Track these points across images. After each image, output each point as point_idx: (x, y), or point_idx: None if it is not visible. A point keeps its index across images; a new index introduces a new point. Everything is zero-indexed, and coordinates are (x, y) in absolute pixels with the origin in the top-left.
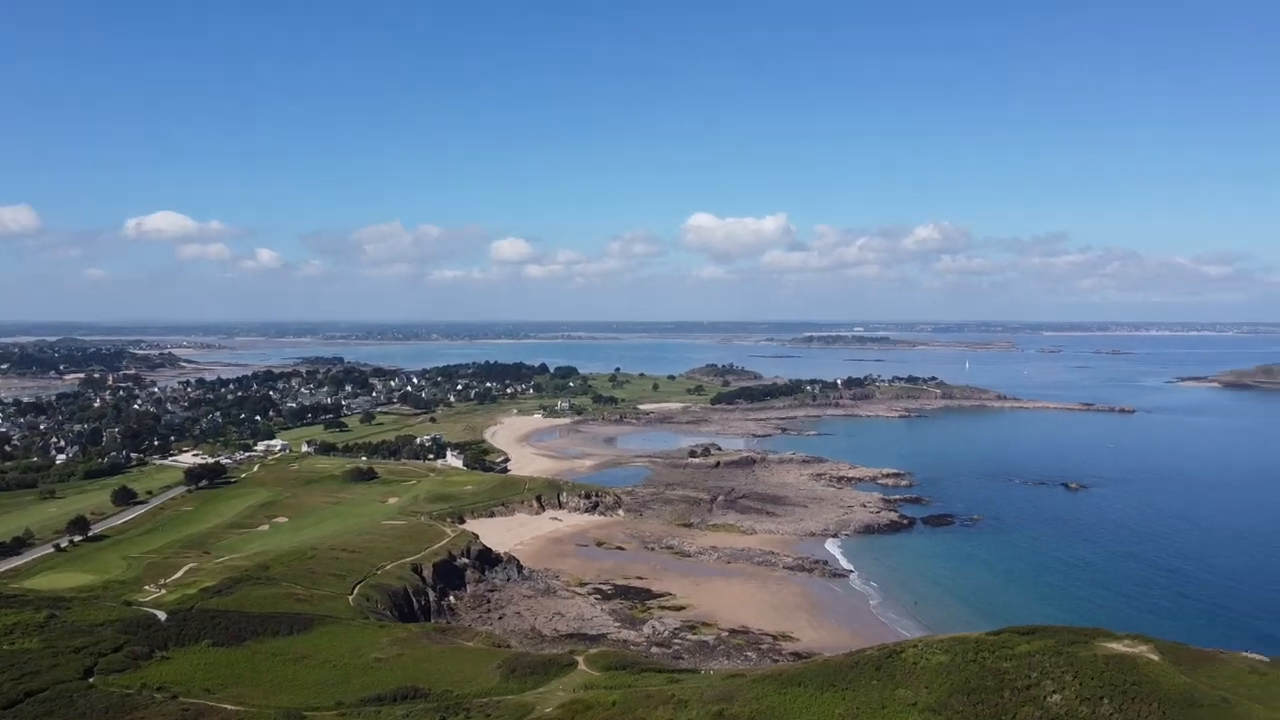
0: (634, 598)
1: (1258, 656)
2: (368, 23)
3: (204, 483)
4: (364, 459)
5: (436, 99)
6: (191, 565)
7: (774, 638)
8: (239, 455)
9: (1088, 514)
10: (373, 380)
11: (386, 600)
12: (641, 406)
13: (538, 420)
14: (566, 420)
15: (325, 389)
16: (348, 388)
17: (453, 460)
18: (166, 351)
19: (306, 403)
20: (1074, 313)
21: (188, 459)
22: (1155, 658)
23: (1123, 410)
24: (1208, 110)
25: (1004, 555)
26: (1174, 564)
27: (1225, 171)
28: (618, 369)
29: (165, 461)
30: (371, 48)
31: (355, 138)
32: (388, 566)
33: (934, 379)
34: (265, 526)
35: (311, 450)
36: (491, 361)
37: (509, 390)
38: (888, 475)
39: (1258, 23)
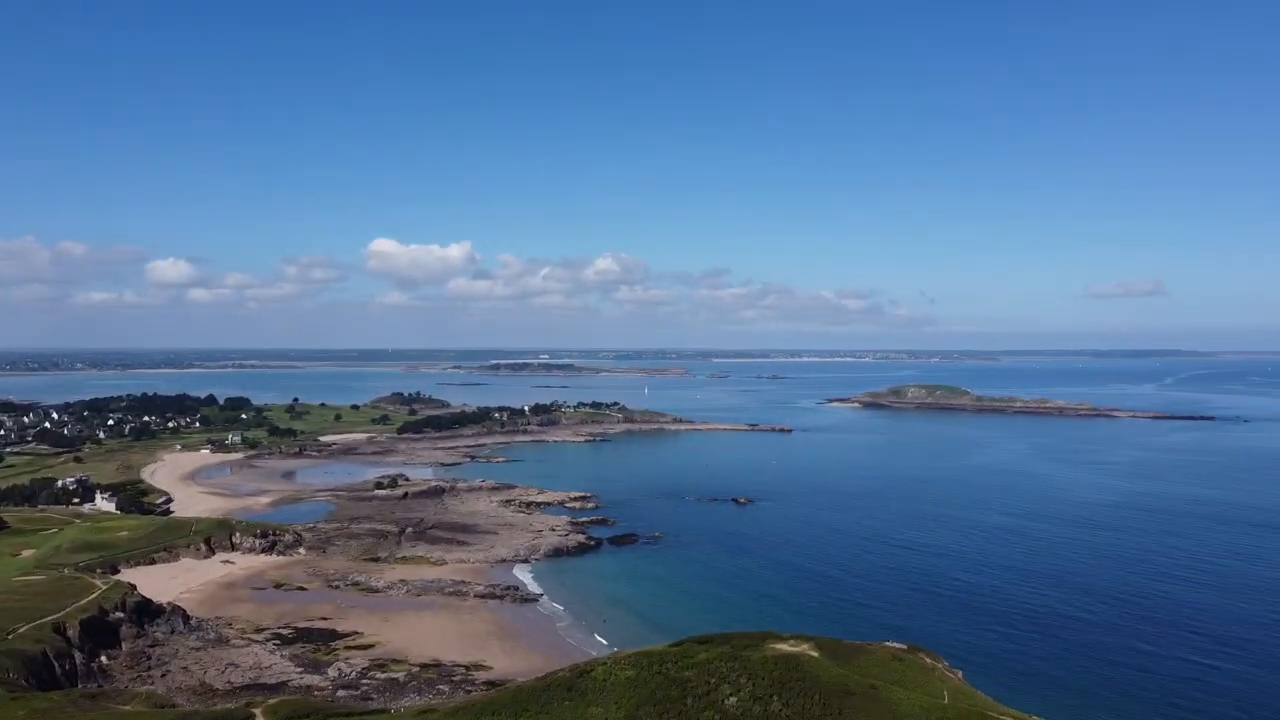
0: (318, 640)
1: (897, 645)
2: None
3: None
4: None
5: (75, 93)
6: None
7: (467, 668)
8: None
9: (754, 527)
10: (1, 416)
11: (20, 668)
12: (323, 438)
13: (205, 456)
14: (239, 455)
15: None
16: None
17: (104, 504)
18: None
19: None
20: (739, 341)
21: None
22: (815, 654)
23: (782, 430)
24: (846, 170)
25: (682, 570)
26: (823, 569)
27: (860, 221)
28: (296, 399)
29: None
30: None
31: None
32: (22, 629)
33: (616, 404)
34: None
35: None
36: (150, 393)
37: (171, 424)
38: (575, 499)
39: (897, 96)
